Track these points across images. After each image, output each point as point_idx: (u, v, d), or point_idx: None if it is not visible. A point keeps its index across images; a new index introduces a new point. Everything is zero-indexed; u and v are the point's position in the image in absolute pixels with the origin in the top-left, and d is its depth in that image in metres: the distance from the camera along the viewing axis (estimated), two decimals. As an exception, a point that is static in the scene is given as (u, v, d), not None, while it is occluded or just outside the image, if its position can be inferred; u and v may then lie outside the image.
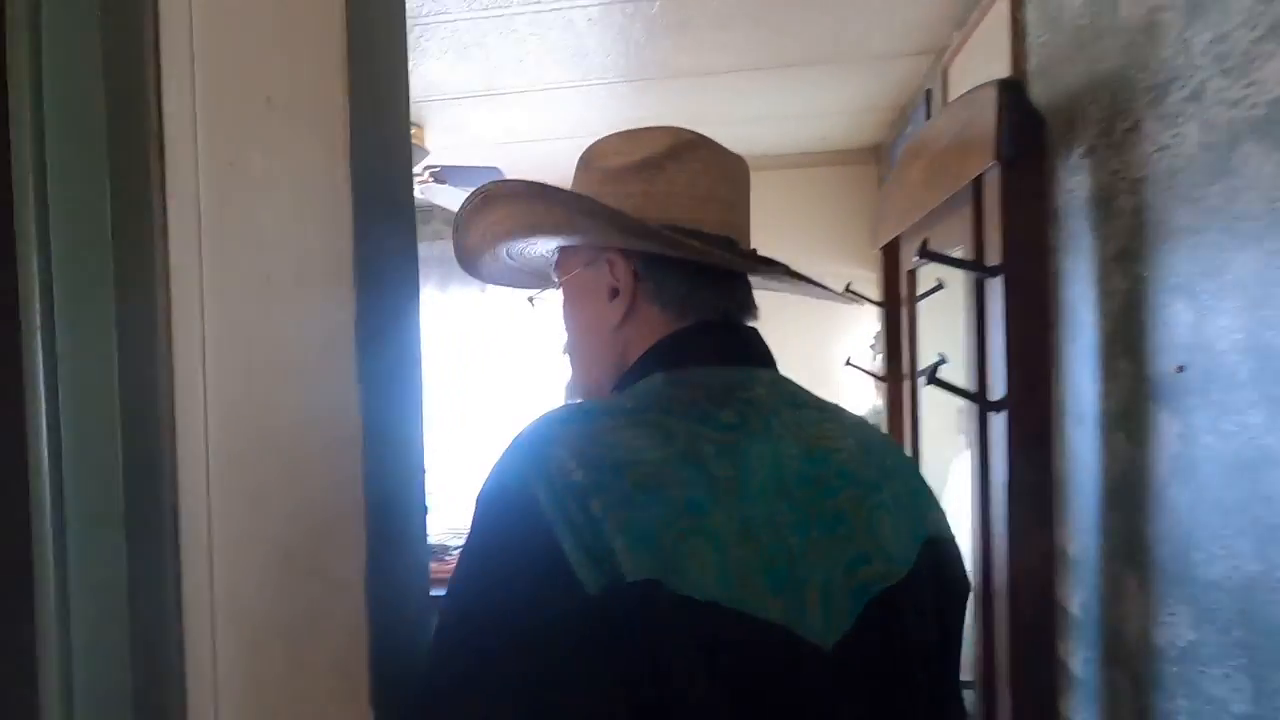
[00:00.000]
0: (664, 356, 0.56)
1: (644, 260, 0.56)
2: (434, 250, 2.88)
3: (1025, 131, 0.99)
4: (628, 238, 0.55)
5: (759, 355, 0.58)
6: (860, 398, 2.37)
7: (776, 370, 0.59)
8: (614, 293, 0.57)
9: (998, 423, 1.01)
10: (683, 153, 0.58)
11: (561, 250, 0.62)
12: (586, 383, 0.62)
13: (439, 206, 2.36)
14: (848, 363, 1.96)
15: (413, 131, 1.97)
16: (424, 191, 2.20)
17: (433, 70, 1.70)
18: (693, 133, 0.59)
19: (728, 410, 0.52)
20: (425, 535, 0.56)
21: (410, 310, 0.52)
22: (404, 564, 0.50)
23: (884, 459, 0.57)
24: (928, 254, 1.09)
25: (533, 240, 0.60)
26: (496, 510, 0.46)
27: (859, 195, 2.55)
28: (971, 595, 0.60)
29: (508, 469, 0.47)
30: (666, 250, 0.55)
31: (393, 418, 0.48)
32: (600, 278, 0.58)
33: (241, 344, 0.44)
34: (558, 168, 2.41)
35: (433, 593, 0.54)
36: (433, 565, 0.97)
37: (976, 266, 1.03)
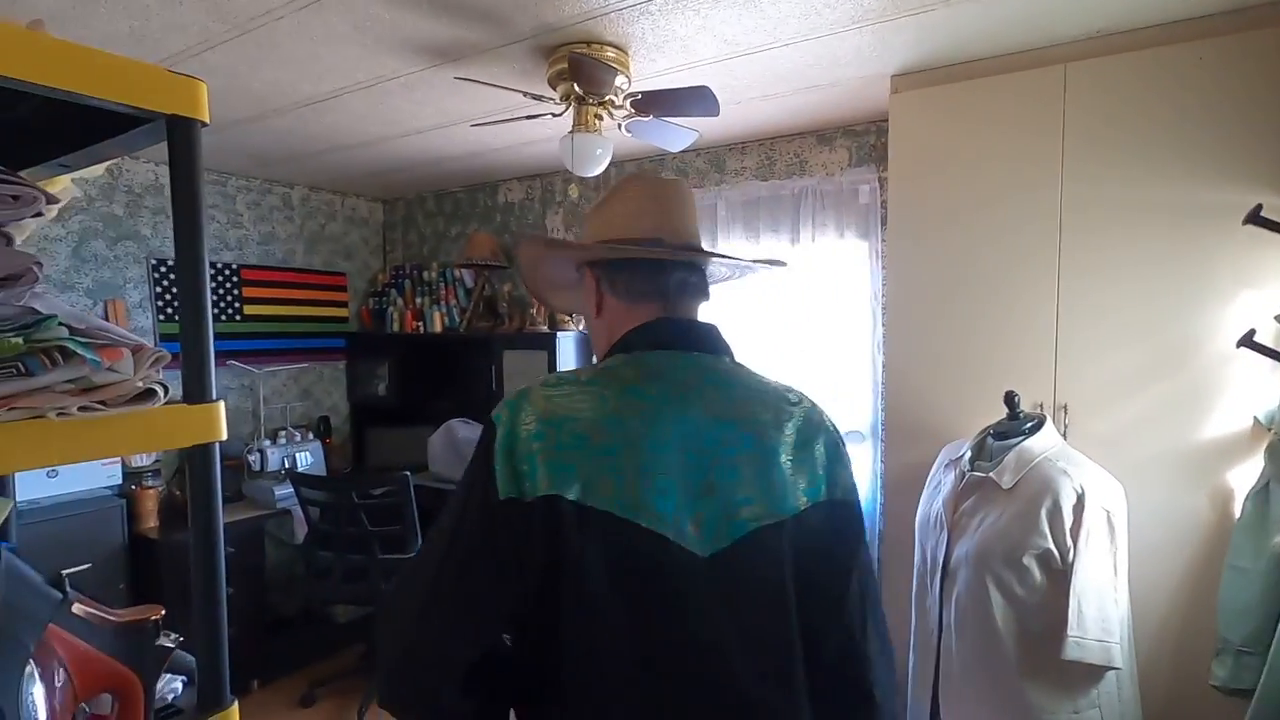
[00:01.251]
0: (625, 343, 0.81)
1: (603, 267, 0.86)
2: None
3: None
4: (584, 254, 0.88)
5: (705, 343, 0.83)
6: (1250, 387, 1.66)
7: (722, 357, 0.84)
8: (592, 293, 0.87)
9: None
10: (622, 188, 0.89)
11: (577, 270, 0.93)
12: (596, 354, 0.89)
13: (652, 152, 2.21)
14: (1245, 341, 1.57)
15: (614, 55, 1.94)
16: (631, 128, 2.20)
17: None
18: (635, 173, 0.89)
19: (653, 386, 0.75)
20: None
21: None
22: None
23: (801, 434, 0.79)
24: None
25: (548, 266, 0.96)
26: (475, 448, 0.71)
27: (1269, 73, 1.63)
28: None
29: (494, 416, 0.71)
30: (607, 255, 0.85)
31: None
32: (587, 284, 0.88)
33: None
34: (781, 79, 2.22)
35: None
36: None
37: None
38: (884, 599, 2.36)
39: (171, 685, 1.09)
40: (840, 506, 0.79)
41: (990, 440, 1.83)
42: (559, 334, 3.20)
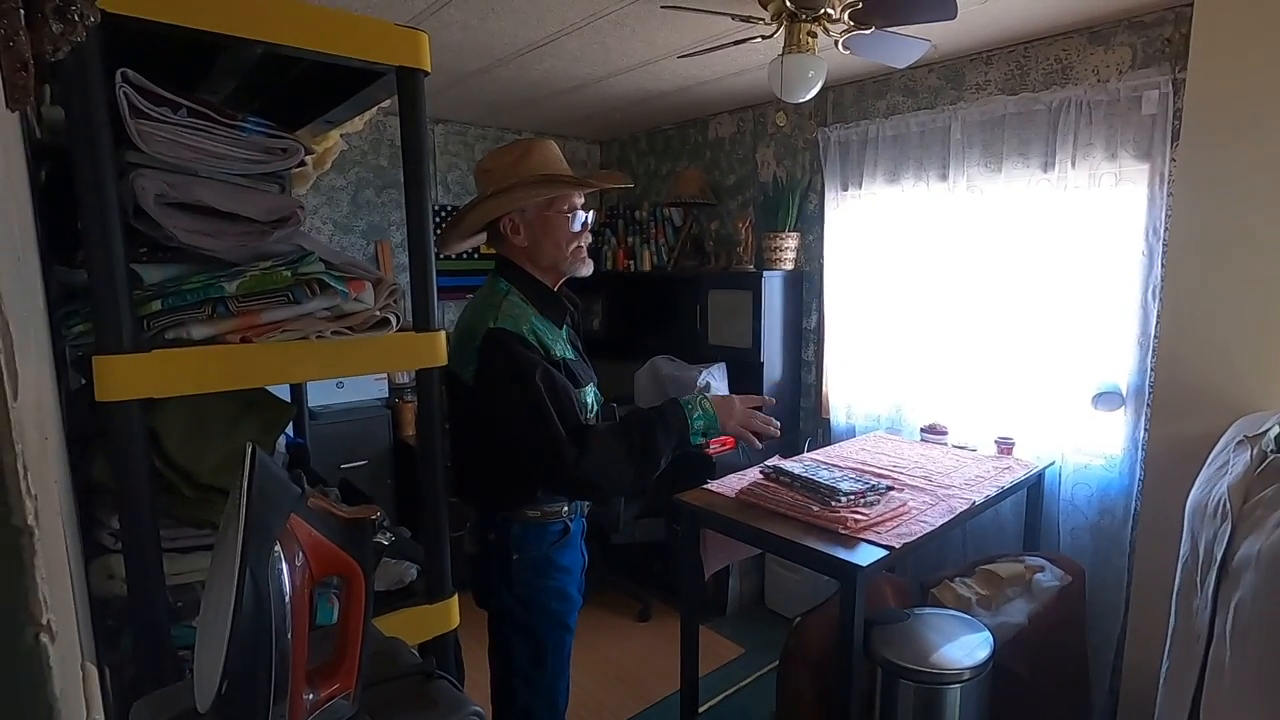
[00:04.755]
0: None
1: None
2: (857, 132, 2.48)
3: None
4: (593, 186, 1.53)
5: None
6: None
7: (495, 275, 1.50)
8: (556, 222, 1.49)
9: None
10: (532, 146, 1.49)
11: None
12: (545, 274, 1.53)
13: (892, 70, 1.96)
14: None
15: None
16: (850, 44, 1.99)
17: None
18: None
19: None
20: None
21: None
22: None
23: (463, 315, 1.49)
24: None
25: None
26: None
27: None
28: None
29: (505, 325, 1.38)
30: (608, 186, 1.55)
31: None
32: (546, 217, 1.49)
33: None
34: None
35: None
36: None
37: None
38: (1135, 591, 2.05)
39: (410, 570, 1.28)
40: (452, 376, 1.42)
41: (1309, 415, 1.43)
42: (765, 273, 3.10)
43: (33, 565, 0.27)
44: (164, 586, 0.92)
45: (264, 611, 0.58)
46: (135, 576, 0.89)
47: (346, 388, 3.23)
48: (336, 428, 3.11)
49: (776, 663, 2.16)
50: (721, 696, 2.61)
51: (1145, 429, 2.25)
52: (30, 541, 0.27)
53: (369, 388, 3.32)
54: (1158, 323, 2.17)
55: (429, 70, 1.10)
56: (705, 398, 1.44)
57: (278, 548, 0.60)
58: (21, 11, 0.43)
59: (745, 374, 3.19)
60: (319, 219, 3.40)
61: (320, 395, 3.13)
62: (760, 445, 1.56)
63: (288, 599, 0.60)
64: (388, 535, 0.83)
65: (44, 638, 0.28)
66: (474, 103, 3.30)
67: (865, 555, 1.68)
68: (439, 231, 1.44)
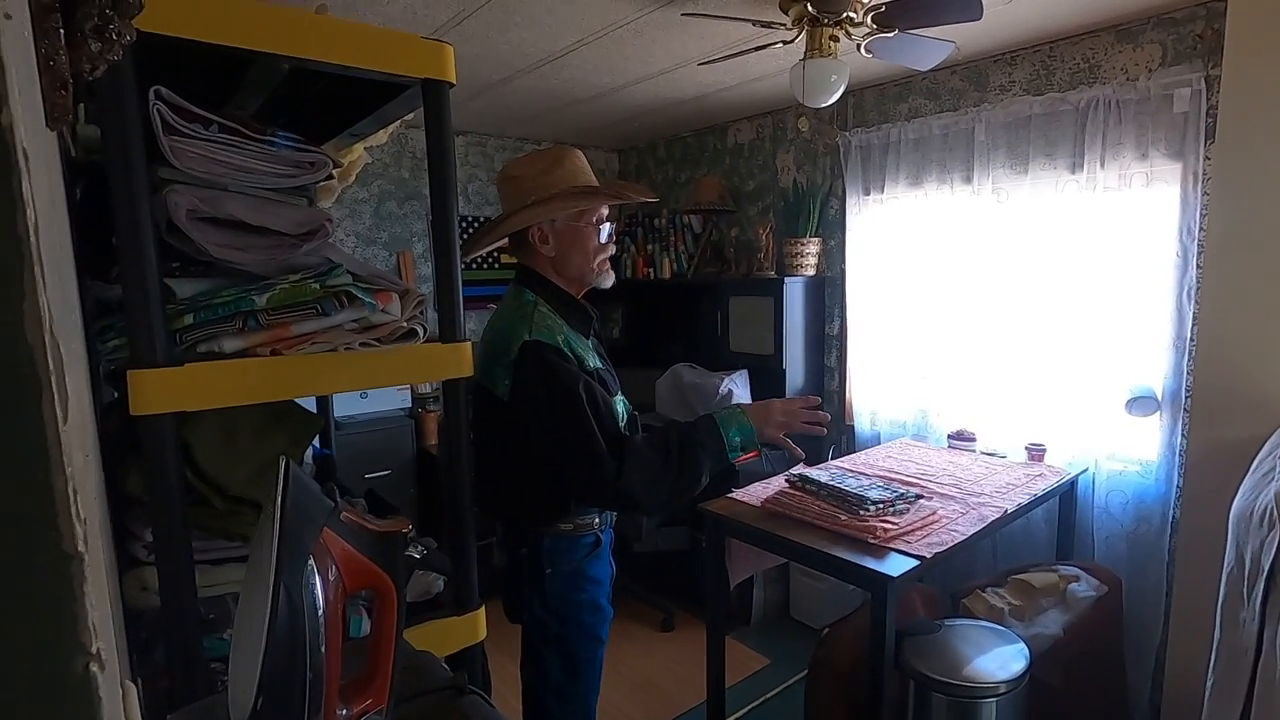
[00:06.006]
0: None
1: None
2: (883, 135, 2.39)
3: None
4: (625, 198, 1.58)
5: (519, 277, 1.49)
6: None
7: (519, 286, 1.47)
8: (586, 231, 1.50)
9: None
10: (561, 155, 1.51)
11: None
12: (572, 285, 1.52)
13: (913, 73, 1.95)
14: None
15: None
16: (873, 48, 1.97)
17: None
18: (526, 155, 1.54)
19: None
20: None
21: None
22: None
23: (492, 327, 1.45)
24: None
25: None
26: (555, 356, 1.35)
27: None
28: None
29: (541, 338, 1.36)
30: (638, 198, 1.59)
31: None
32: (576, 229, 1.50)
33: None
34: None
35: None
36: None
37: None
38: (1177, 602, 1.99)
39: (437, 582, 1.27)
40: (480, 390, 1.44)
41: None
42: (786, 279, 3.08)
43: (83, 592, 0.27)
44: (196, 599, 0.92)
45: (298, 626, 0.58)
46: (168, 589, 0.90)
47: (370, 398, 3.25)
48: (361, 437, 3.13)
49: (804, 674, 2.13)
50: (748, 708, 2.57)
51: (1183, 434, 2.19)
52: (80, 568, 0.27)
53: (392, 397, 3.35)
54: (1194, 325, 2.12)
55: (454, 82, 1.11)
56: (740, 409, 1.40)
57: (311, 561, 0.59)
58: (61, 31, 0.44)
59: (767, 381, 3.16)
60: (343, 231, 3.44)
61: (345, 405, 3.16)
62: (804, 455, 1.45)
63: (322, 613, 0.60)
64: (419, 548, 0.83)
65: (94, 667, 0.27)
66: (494, 114, 3.33)
67: (896, 565, 1.65)
68: (464, 240, 1.43)
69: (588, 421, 1.28)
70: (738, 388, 3.12)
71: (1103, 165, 2.29)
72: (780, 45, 2.00)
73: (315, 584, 0.60)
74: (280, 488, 0.59)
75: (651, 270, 3.86)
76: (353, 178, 1.84)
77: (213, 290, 0.95)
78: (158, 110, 0.87)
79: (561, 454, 1.30)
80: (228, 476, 1.02)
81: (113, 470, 1.02)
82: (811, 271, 3.18)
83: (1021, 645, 1.85)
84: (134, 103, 0.84)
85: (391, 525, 0.66)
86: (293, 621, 0.57)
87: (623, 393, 1.56)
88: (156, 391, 0.87)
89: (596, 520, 1.45)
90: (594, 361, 1.44)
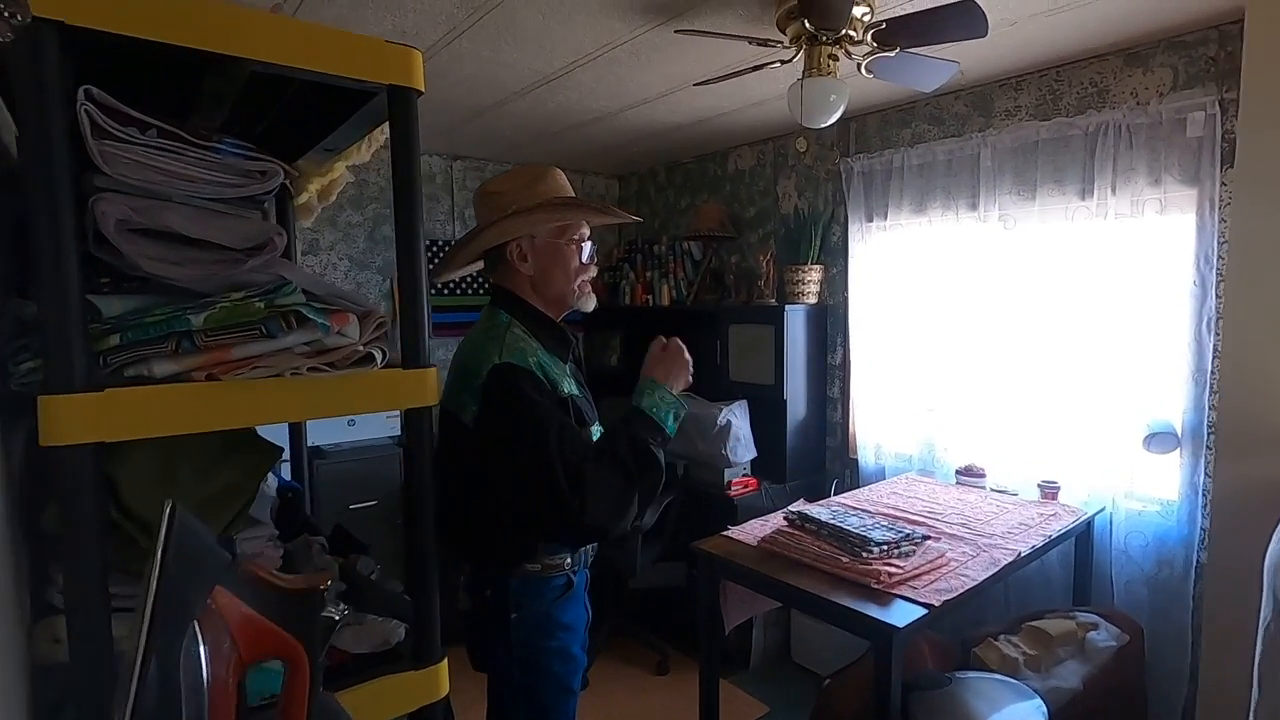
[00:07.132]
0: None
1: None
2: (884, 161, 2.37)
3: None
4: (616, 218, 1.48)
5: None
6: None
7: (494, 308, 1.39)
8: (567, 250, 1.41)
9: None
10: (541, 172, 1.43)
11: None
12: (551, 307, 1.45)
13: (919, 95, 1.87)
14: None
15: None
16: (873, 68, 1.91)
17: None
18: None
19: None
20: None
21: None
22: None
23: (462, 350, 1.38)
24: None
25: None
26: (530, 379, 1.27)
27: None
28: None
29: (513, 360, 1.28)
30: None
31: None
32: (556, 247, 1.41)
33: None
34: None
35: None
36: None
37: None
38: (1206, 654, 1.85)
39: (397, 630, 1.16)
40: (448, 416, 1.36)
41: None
42: (787, 307, 2.99)
43: None
44: (111, 652, 0.82)
45: (171, 709, 0.48)
46: (79, 641, 0.80)
47: (357, 425, 3.16)
48: (346, 466, 3.03)
49: (804, 727, 1.98)
50: (745, 760, 2.42)
51: (1206, 472, 2.07)
52: None
53: (380, 425, 3.25)
54: (1215, 357, 2.02)
55: (422, 90, 1.04)
56: (653, 386, 1.35)
57: (195, 627, 0.49)
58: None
59: (768, 411, 3.06)
60: (335, 255, 3.39)
61: (331, 433, 3.06)
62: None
63: (206, 690, 0.50)
64: (341, 607, 0.73)
65: None
66: (491, 138, 3.29)
67: (901, 614, 1.53)
68: (436, 262, 1.36)
69: (552, 461, 1.18)
70: (737, 418, 3.02)
71: (1114, 192, 2.21)
72: (778, 64, 1.94)
73: (199, 655, 0.50)
74: (161, 539, 0.49)
75: (650, 297, 3.78)
76: (334, 197, 1.77)
77: (144, 309, 0.86)
78: (86, 111, 0.79)
79: (523, 494, 1.20)
80: (159, 515, 0.92)
81: (39, 505, 0.92)
82: (813, 299, 3.09)
83: (1038, 701, 1.71)
84: (58, 103, 0.76)
85: (306, 581, 0.57)
86: (164, 704, 0.47)
87: (601, 424, 1.46)
88: (71, 420, 0.78)
89: (568, 560, 1.34)
90: (570, 388, 1.35)
